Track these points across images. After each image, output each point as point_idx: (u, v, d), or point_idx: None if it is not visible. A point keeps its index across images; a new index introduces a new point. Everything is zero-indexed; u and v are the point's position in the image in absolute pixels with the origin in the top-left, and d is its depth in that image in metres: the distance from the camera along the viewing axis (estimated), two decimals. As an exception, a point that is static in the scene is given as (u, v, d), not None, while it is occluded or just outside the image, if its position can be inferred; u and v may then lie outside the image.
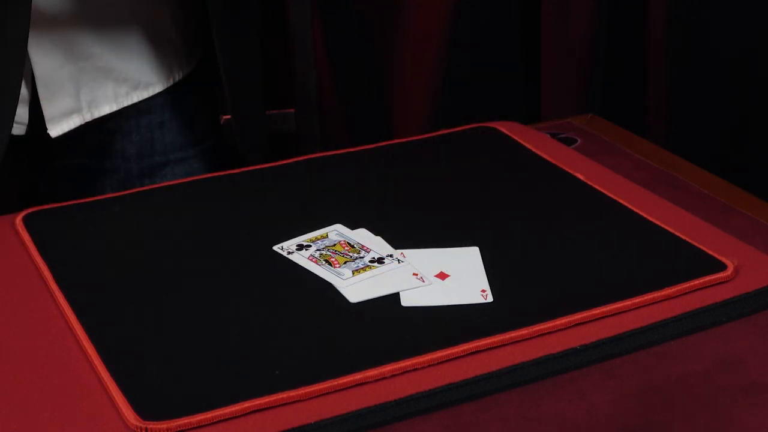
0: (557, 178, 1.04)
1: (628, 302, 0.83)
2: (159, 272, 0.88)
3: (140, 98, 1.17)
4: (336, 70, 1.69)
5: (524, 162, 1.08)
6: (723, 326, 0.82)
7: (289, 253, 0.90)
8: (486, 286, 0.86)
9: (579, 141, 1.13)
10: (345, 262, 0.88)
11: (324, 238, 0.92)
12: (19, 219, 0.95)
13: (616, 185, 1.02)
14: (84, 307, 0.83)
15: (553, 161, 1.06)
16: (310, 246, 0.91)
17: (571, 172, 1.04)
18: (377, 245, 0.91)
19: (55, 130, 1.13)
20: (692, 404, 0.74)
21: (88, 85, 1.14)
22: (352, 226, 0.94)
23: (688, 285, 0.85)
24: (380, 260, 0.89)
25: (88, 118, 1.15)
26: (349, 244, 0.91)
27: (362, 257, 0.89)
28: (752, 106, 1.50)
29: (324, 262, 0.89)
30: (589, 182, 1.02)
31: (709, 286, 0.86)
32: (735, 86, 1.51)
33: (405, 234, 0.92)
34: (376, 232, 0.93)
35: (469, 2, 1.70)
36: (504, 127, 1.14)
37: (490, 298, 0.84)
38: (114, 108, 1.16)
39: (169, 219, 0.97)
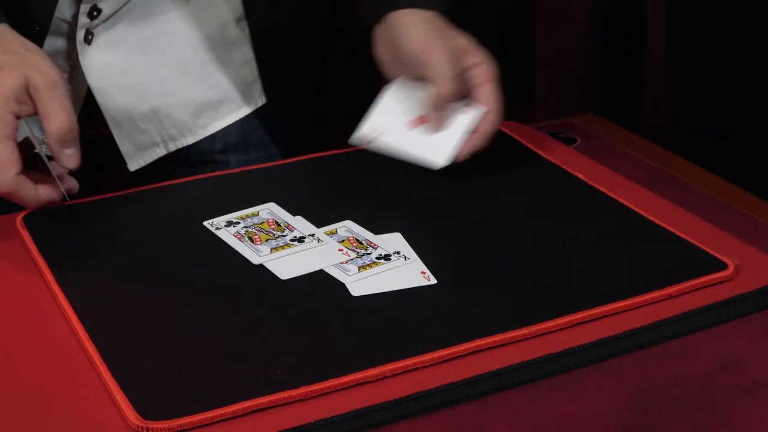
0: (557, 178, 1.04)
1: (628, 302, 0.83)
2: (159, 272, 0.89)
3: (217, 129, 1.17)
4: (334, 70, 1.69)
5: (524, 162, 1.08)
6: (723, 326, 0.82)
7: (217, 228, 0.92)
8: (424, 267, 0.87)
9: (579, 141, 1.14)
10: (266, 240, 0.90)
11: (254, 216, 0.95)
12: (19, 219, 0.95)
13: (616, 185, 1.02)
14: (84, 306, 0.83)
15: (553, 161, 1.06)
16: (239, 223, 0.93)
17: (571, 171, 1.04)
18: (302, 225, 0.93)
19: (132, 165, 1.13)
20: (692, 403, 0.74)
21: (163, 122, 1.14)
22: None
23: (688, 284, 0.85)
24: (301, 239, 0.91)
25: (172, 148, 1.15)
26: (276, 222, 0.93)
27: (285, 236, 0.91)
28: (752, 105, 1.49)
29: (247, 239, 0.91)
30: (589, 182, 1.02)
31: (709, 286, 0.86)
32: (735, 86, 1.51)
33: (405, 232, 0.92)
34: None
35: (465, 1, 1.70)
36: (504, 127, 1.14)
37: (433, 280, 0.85)
38: (195, 140, 1.16)
39: (169, 218, 0.97)
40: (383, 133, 0.94)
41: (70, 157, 0.91)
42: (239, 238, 0.91)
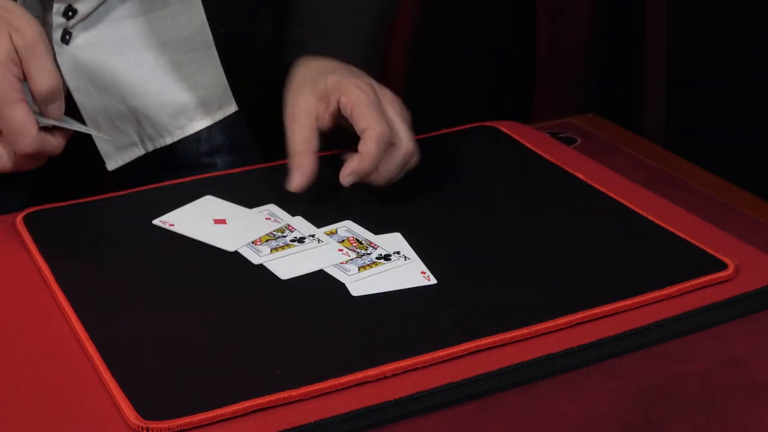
0: (557, 178, 1.04)
1: (628, 302, 0.83)
2: (159, 272, 0.89)
3: (197, 129, 1.16)
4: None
5: (524, 162, 1.08)
6: (723, 326, 0.82)
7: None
8: (423, 267, 0.87)
9: (579, 140, 1.14)
10: (267, 240, 0.91)
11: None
12: (19, 219, 0.95)
13: (616, 185, 1.02)
14: (85, 306, 0.83)
15: (553, 161, 1.06)
16: None
17: (571, 171, 1.04)
18: (302, 225, 0.94)
19: (111, 164, 1.13)
20: (692, 403, 0.74)
21: (141, 122, 1.13)
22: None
23: (688, 284, 0.85)
24: (301, 239, 0.91)
25: (150, 148, 1.15)
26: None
27: (285, 236, 0.91)
28: (752, 106, 1.50)
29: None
30: (589, 182, 1.02)
31: (709, 286, 0.86)
32: (734, 86, 1.51)
33: (405, 232, 0.92)
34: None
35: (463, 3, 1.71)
36: (504, 127, 1.14)
37: (433, 280, 0.85)
38: (173, 140, 1.16)
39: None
40: (182, 225, 0.94)
41: (55, 110, 0.90)
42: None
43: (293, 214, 0.96)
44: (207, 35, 1.12)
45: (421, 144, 1.12)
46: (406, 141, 0.96)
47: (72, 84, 1.09)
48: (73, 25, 1.08)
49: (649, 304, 0.83)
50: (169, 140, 1.15)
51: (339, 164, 1.08)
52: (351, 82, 0.97)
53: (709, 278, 0.86)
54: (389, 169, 0.96)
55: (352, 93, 0.96)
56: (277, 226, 0.93)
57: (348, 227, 0.93)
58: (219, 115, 1.16)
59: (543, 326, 0.80)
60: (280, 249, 0.90)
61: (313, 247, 0.90)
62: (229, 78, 1.13)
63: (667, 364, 0.78)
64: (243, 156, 1.18)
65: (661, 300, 0.84)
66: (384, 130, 0.94)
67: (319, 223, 0.94)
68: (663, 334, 0.81)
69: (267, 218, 0.95)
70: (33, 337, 0.81)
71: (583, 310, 0.82)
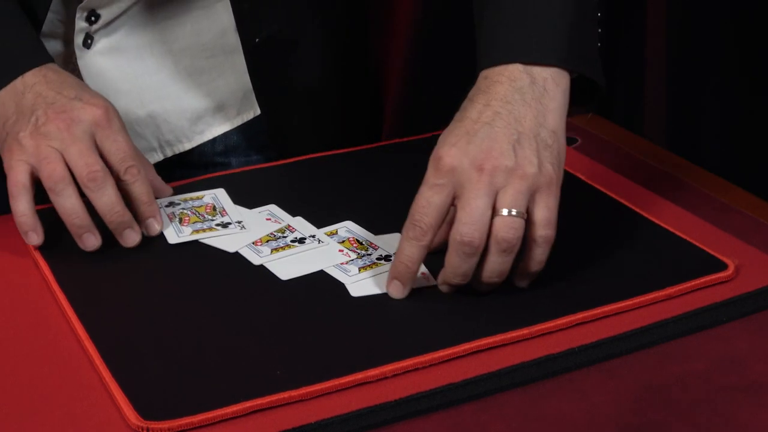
0: (557, 178, 1.03)
1: (628, 302, 0.83)
2: (160, 272, 0.89)
3: (215, 135, 1.16)
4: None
5: (524, 162, 1.07)
6: (723, 326, 0.82)
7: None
8: (423, 267, 0.86)
9: (579, 141, 1.13)
10: (267, 241, 0.91)
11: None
12: (19, 219, 0.95)
13: (616, 185, 1.02)
14: (85, 306, 0.83)
15: (553, 161, 1.06)
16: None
17: (572, 171, 1.04)
18: (303, 226, 0.94)
19: None
20: (692, 404, 0.74)
21: (161, 127, 1.13)
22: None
23: (688, 285, 0.85)
24: (302, 240, 0.91)
25: (169, 154, 1.15)
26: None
27: (285, 237, 0.92)
28: (752, 105, 1.50)
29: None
30: (589, 182, 1.02)
31: (709, 286, 0.86)
32: (734, 86, 1.51)
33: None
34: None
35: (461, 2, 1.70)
36: (504, 127, 1.14)
37: (432, 280, 0.85)
38: (192, 146, 1.16)
39: (169, 219, 0.97)
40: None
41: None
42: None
43: (294, 215, 0.96)
44: (227, 41, 1.12)
45: (421, 144, 1.11)
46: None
47: (93, 88, 1.10)
48: (96, 30, 1.08)
49: (650, 304, 0.84)
50: (188, 146, 1.15)
51: (339, 164, 1.08)
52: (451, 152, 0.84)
53: (710, 278, 0.86)
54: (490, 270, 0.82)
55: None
56: (278, 226, 0.93)
57: (348, 228, 0.93)
58: (237, 121, 1.17)
59: (543, 326, 0.80)
60: (280, 249, 0.90)
61: (313, 248, 0.90)
62: (254, 82, 1.12)
63: (667, 364, 0.78)
64: (257, 156, 1.18)
65: (662, 300, 0.84)
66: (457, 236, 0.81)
67: (319, 224, 0.94)
68: (663, 334, 0.81)
69: (267, 219, 0.95)
70: (33, 337, 0.81)
71: (584, 310, 0.82)
